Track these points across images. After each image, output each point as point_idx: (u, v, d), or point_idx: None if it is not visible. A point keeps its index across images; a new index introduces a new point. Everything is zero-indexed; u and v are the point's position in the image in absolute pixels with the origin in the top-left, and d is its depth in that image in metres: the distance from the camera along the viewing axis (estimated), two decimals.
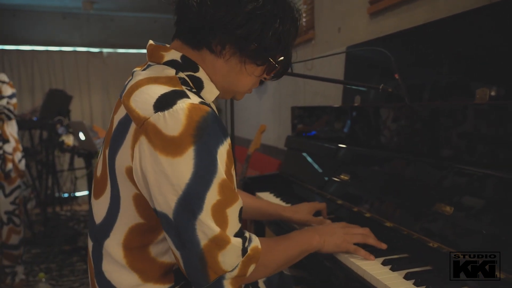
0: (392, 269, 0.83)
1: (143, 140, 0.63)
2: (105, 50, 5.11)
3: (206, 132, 0.62)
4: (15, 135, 2.46)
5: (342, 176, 1.26)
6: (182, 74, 0.71)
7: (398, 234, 0.92)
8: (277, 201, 1.47)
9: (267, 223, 1.48)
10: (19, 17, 4.83)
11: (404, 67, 1.32)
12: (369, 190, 1.11)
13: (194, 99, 0.65)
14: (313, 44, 2.28)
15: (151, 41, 0.76)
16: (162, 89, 0.65)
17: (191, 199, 0.63)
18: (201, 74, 0.73)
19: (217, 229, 0.64)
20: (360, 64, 1.58)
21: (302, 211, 1.13)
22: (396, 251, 0.91)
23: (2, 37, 4.78)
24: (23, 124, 3.30)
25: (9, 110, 2.35)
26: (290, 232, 0.89)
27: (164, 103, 0.63)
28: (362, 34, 1.81)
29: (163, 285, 0.73)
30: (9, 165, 2.37)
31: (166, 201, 0.63)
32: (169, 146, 0.61)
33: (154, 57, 0.73)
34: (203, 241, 0.64)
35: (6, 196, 2.35)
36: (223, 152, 0.65)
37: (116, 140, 0.68)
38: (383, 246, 0.91)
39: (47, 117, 3.34)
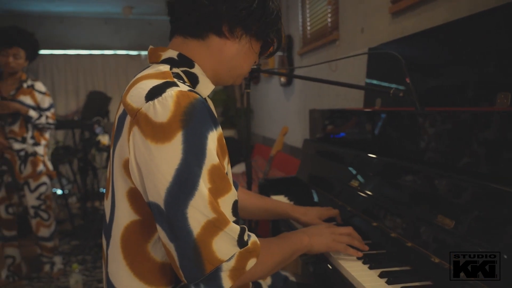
0: (388, 282, 0.81)
1: (135, 130, 0.64)
2: (143, 52, 5.34)
3: (194, 117, 0.63)
4: (47, 137, 2.63)
5: (352, 183, 1.23)
6: (177, 70, 0.74)
7: (403, 245, 0.89)
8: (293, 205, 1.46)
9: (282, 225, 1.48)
10: (66, 24, 5.17)
11: (424, 68, 1.28)
12: (378, 198, 1.08)
13: (183, 87, 0.66)
14: (338, 45, 2.24)
15: (151, 46, 0.79)
16: (154, 82, 0.67)
17: (182, 185, 0.62)
18: (196, 70, 0.76)
19: (211, 213, 0.63)
20: (382, 65, 1.54)
21: (311, 214, 1.13)
22: (398, 263, 0.88)
23: (51, 43, 5.14)
24: (66, 124, 3.54)
25: (49, 124, 2.53)
26: (280, 234, 0.89)
27: (154, 93, 0.64)
28: (384, 34, 1.76)
29: (164, 287, 0.72)
30: (41, 166, 2.54)
31: (157, 190, 0.63)
32: (158, 132, 0.62)
33: (152, 58, 0.77)
34: (196, 229, 0.63)
35: (31, 191, 2.53)
36: (213, 139, 0.66)
37: (116, 136, 0.70)
38: (365, 247, 0.93)
39: (87, 118, 3.55)
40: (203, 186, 0.63)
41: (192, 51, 0.76)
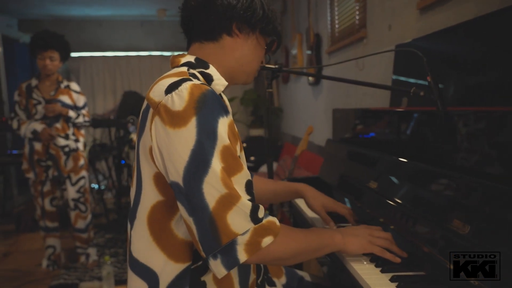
0: (399, 287, 0.79)
1: (156, 119, 0.74)
2: (176, 53, 5.47)
3: (206, 105, 0.72)
4: (83, 133, 2.81)
5: (371, 184, 1.21)
6: (193, 71, 0.83)
7: (419, 250, 0.87)
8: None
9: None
10: (105, 27, 5.41)
11: (452, 66, 1.22)
12: (396, 201, 1.05)
13: (196, 82, 0.76)
14: (365, 43, 2.19)
15: (172, 54, 0.90)
16: (173, 79, 0.76)
17: (197, 164, 0.70)
18: (211, 70, 0.86)
19: (223, 190, 0.70)
20: (410, 61, 1.49)
21: (319, 201, 1.14)
22: (412, 268, 0.86)
23: (91, 46, 5.40)
24: (102, 123, 3.71)
25: (85, 121, 2.72)
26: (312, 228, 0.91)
27: (172, 87, 0.74)
28: (412, 30, 1.70)
29: (182, 263, 0.79)
30: (81, 161, 2.71)
31: (176, 170, 0.71)
32: (175, 119, 0.71)
33: (173, 64, 0.88)
34: (211, 203, 0.69)
35: (72, 185, 2.69)
36: (224, 123, 0.73)
37: (141, 128, 0.79)
38: (404, 254, 0.90)
39: (122, 117, 3.70)
40: (216, 164, 0.70)
41: (208, 54, 0.87)
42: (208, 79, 0.84)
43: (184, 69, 0.82)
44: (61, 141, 2.62)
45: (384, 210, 1.08)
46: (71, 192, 2.68)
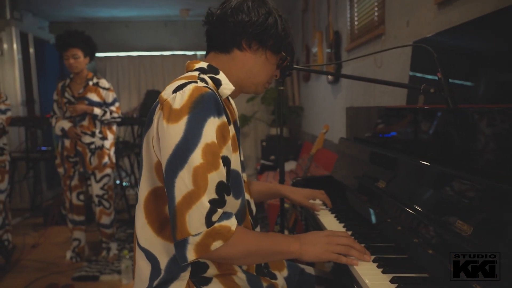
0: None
1: (160, 113, 0.82)
2: (198, 53, 5.56)
3: (201, 105, 0.79)
4: (115, 130, 2.87)
5: (379, 184, 1.18)
6: (203, 76, 0.90)
7: (424, 252, 0.84)
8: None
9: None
10: (130, 28, 5.56)
11: (467, 63, 1.18)
12: (403, 201, 1.03)
13: (201, 84, 0.83)
14: (383, 40, 2.14)
15: (188, 60, 0.99)
16: (182, 81, 0.85)
17: (176, 158, 0.77)
18: (221, 76, 0.93)
19: (189, 187, 0.76)
20: (427, 57, 1.45)
21: (300, 194, 1.26)
22: (416, 269, 0.84)
23: (117, 46, 5.56)
24: (126, 121, 3.82)
25: (114, 118, 2.76)
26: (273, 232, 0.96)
27: (179, 88, 0.82)
28: (430, 26, 1.64)
29: (171, 243, 0.85)
30: (106, 158, 2.79)
31: (164, 160, 0.79)
32: (172, 115, 0.79)
33: (188, 68, 0.96)
34: (178, 198, 0.76)
35: (97, 182, 2.77)
36: (213, 124, 0.79)
37: (148, 121, 0.88)
38: (367, 258, 0.89)
39: (144, 115, 3.79)
40: (194, 160, 0.76)
41: (221, 63, 0.95)
42: (217, 83, 0.92)
43: (196, 73, 0.89)
44: (87, 139, 2.71)
45: (389, 208, 1.06)
46: (96, 189, 2.78)
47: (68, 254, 2.89)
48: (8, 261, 2.82)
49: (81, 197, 2.83)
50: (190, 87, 0.81)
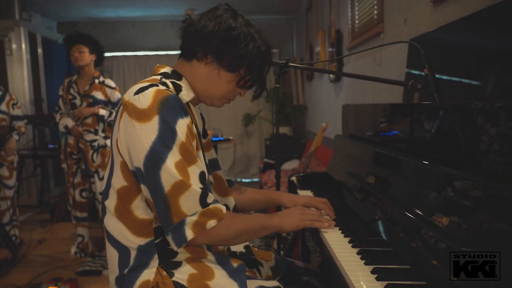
0: (378, 279, 0.79)
1: (125, 114, 0.85)
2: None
3: (167, 106, 0.83)
4: None
5: (369, 179, 1.20)
6: (165, 80, 0.93)
7: (408, 245, 0.85)
8: None
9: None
10: (137, 28, 5.62)
11: (462, 59, 1.18)
12: (391, 196, 1.04)
13: (161, 87, 0.87)
14: (382, 38, 2.15)
15: (157, 64, 1.02)
16: (144, 84, 0.89)
17: (156, 153, 0.81)
18: (183, 82, 0.96)
19: (178, 177, 0.81)
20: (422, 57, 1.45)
21: (297, 201, 1.20)
22: (399, 262, 0.85)
23: (124, 46, 5.63)
24: None
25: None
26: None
27: (140, 90, 0.86)
28: (426, 24, 1.65)
29: (144, 238, 0.89)
30: None
31: (139, 157, 0.83)
32: (141, 115, 0.83)
33: (155, 72, 0.99)
34: (166, 187, 0.81)
35: (100, 179, 2.82)
36: (183, 124, 0.84)
37: (114, 123, 0.92)
38: (332, 223, 1.07)
39: None
40: (173, 156, 0.82)
41: (184, 70, 0.98)
42: (178, 88, 0.94)
43: (158, 77, 0.93)
44: (90, 136, 2.76)
45: (379, 204, 1.07)
46: (99, 187, 2.81)
47: (73, 250, 2.95)
48: (15, 255, 2.89)
49: (84, 194, 2.88)
50: (151, 89, 0.85)
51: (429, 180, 0.91)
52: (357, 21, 2.63)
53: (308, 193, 1.57)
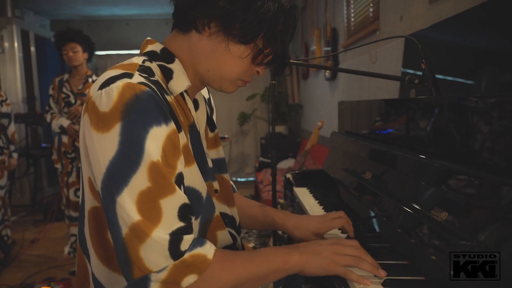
0: None
1: (85, 117, 0.63)
2: None
3: (136, 109, 0.59)
4: None
5: (366, 175, 1.19)
6: (150, 64, 0.70)
7: (406, 241, 0.84)
8: (310, 197, 1.45)
9: None
10: (131, 26, 5.59)
11: (458, 55, 1.18)
12: (388, 191, 1.03)
13: (135, 79, 0.62)
14: (378, 35, 2.14)
15: (147, 37, 0.77)
16: (115, 72, 0.64)
17: (112, 178, 0.59)
18: (175, 65, 0.72)
19: (135, 217, 0.57)
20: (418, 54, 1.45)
21: (305, 226, 0.92)
22: (398, 258, 0.84)
23: (118, 44, 5.59)
24: None
25: None
26: (267, 247, 0.76)
27: (107, 83, 0.62)
28: (421, 21, 1.65)
29: (120, 275, 0.68)
30: None
31: (97, 179, 0.61)
32: (100, 121, 0.60)
33: (141, 50, 0.75)
34: (124, 228, 0.58)
35: None
36: (158, 134, 0.60)
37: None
38: (381, 273, 0.72)
39: None
40: (137, 183, 0.58)
41: (178, 46, 0.74)
42: (167, 75, 0.71)
43: (140, 60, 0.69)
44: None
45: (377, 200, 1.07)
46: None
47: (66, 250, 2.92)
48: (7, 255, 2.85)
49: (79, 193, 2.85)
50: (119, 83, 0.60)
51: (426, 174, 0.90)
52: (352, 19, 2.62)
53: (304, 190, 1.56)
